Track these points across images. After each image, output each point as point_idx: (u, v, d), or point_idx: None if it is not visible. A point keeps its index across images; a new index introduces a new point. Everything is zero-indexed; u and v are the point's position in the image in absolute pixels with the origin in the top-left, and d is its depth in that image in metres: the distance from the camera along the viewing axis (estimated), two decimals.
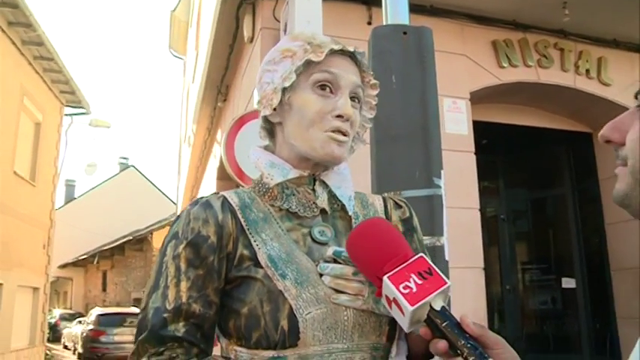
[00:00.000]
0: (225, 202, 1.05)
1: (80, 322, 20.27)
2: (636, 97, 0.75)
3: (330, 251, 0.99)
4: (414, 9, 5.06)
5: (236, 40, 6.02)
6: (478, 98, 5.31)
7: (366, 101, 1.13)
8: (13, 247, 10.68)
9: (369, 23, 4.84)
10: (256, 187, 1.09)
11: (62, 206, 30.21)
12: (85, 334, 17.03)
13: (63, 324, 24.02)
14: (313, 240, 1.04)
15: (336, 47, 1.04)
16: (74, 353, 19.06)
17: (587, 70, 5.76)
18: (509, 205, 7.18)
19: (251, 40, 5.41)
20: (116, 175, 35.55)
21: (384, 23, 2.30)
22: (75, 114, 14.53)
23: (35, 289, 12.74)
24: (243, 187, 1.14)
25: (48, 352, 15.77)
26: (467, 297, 4.64)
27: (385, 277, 0.85)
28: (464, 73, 5.23)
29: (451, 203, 4.81)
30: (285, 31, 4.53)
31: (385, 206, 1.16)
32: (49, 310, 18.19)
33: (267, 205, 1.06)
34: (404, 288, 0.83)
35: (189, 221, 1.01)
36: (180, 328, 0.95)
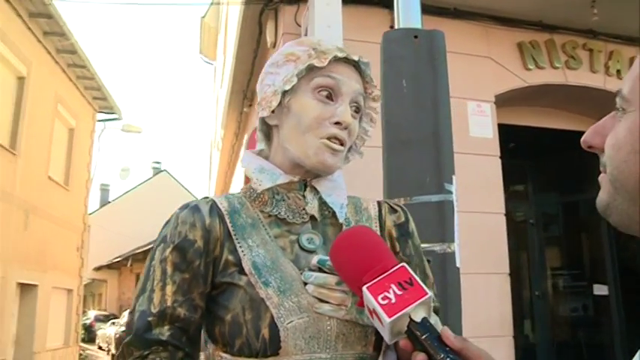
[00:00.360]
0: (214, 206, 1.05)
1: (114, 323, 20.67)
2: (615, 99, 0.72)
3: (314, 260, 0.98)
4: (437, 12, 5.07)
5: (260, 45, 6.05)
6: (504, 101, 5.22)
7: (366, 112, 1.12)
8: (47, 250, 10.94)
9: (392, 27, 4.80)
10: (247, 193, 1.09)
11: (97, 210, 30.85)
12: (118, 336, 17.34)
13: (97, 325, 24.53)
14: (301, 247, 1.02)
15: (341, 54, 1.03)
16: (108, 354, 19.43)
17: (618, 71, 5.61)
18: (538, 209, 7.03)
19: (274, 45, 5.43)
20: (149, 179, 36.10)
21: (396, 27, 2.28)
22: (107, 120, 14.85)
23: (69, 290, 13.03)
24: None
25: (82, 352, 16.11)
26: (492, 303, 4.56)
27: (364, 288, 0.82)
28: (489, 75, 5.15)
29: (476, 208, 4.77)
30: (305, 36, 4.54)
31: (379, 211, 1.14)
32: (84, 312, 18.58)
33: (257, 210, 1.06)
34: (383, 299, 0.81)
35: (177, 225, 1.01)
36: (164, 332, 0.96)
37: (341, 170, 1.14)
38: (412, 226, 1.15)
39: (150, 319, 0.96)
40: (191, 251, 0.99)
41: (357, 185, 4.36)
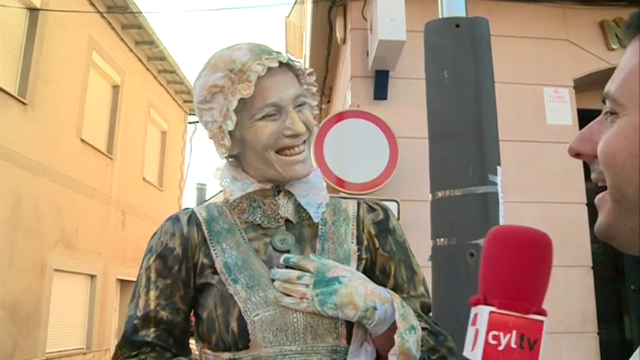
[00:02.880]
0: (192, 216, 1.11)
1: None
2: (604, 102, 0.67)
3: (281, 258, 1.02)
4: None
5: (331, 42, 6.10)
6: (584, 85, 4.93)
7: (307, 89, 1.14)
8: (143, 248, 11.54)
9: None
10: (227, 202, 1.14)
11: None
12: None
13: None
14: (274, 248, 1.06)
15: (261, 70, 1.02)
16: None
17: None
18: None
19: (344, 41, 5.45)
20: None
21: (440, 17, 2.24)
22: (198, 121, 15.42)
23: None
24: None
25: None
26: (573, 298, 4.35)
27: (488, 309, 0.67)
28: (566, 59, 4.90)
29: (555, 198, 4.57)
30: (370, 30, 4.52)
31: (358, 210, 1.16)
32: None
33: (235, 217, 1.11)
34: (493, 338, 0.66)
35: (160, 235, 1.10)
36: (150, 334, 1.03)
37: (317, 170, 1.17)
38: (393, 223, 1.16)
39: (135, 322, 1.04)
40: (171, 258, 1.06)
41: (408, 177, 4.28)
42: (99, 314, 9.82)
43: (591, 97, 5.13)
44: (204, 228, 1.09)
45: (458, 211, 1.96)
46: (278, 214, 1.09)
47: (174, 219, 1.11)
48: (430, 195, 2.07)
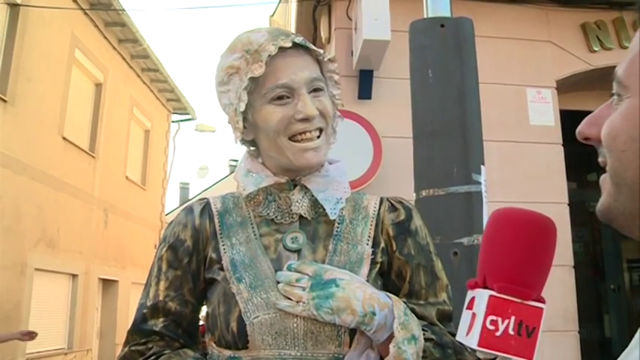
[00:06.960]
0: (206, 207, 1.10)
1: None
2: (612, 85, 0.67)
3: (285, 266, 0.99)
4: None
5: (316, 41, 6.09)
6: (566, 87, 5.00)
7: (328, 76, 1.10)
8: (126, 247, 11.50)
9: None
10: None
11: (177, 208, 31.90)
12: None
13: None
14: (285, 247, 1.03)
15: (273, 49, 1.00)
16: None
17: None
18: None
19: (328, 40, 5.46)
20: (227, 176, 36.90)
21: (425, 16, 2.24)
22: (182, 120, 15.35)
23: None
24: None
25: None
26: (554, 297, 4.37)
27: (487, 293, 0.66)
28: (549, 60, 4.95)
29: (537, 198, 4.61)
30: (355, 29, 4.53)
31: (379, 209, 1.11)
32: None
33: (250, 210, 1.08)
34: (491, 323, 0.65)
35: (174, 226, 1.09)
36: (158, 324, 1.03)
37: (340, 162, 1.13)
38: (416, 224, 1.09)
39: (144, 311, 1.04)
40: (181, 250, 1.06)
41: (392, 176, 4.29)
42: (80, 314, 9.70)
43: (574, 98, 5.20)
44: (216, 221, 1.07)
45: (442, 211, 1.97)
46: (292, 209, 1.05)
47: (188, 210, 1.09)
48: (414, 194, 2.08)
